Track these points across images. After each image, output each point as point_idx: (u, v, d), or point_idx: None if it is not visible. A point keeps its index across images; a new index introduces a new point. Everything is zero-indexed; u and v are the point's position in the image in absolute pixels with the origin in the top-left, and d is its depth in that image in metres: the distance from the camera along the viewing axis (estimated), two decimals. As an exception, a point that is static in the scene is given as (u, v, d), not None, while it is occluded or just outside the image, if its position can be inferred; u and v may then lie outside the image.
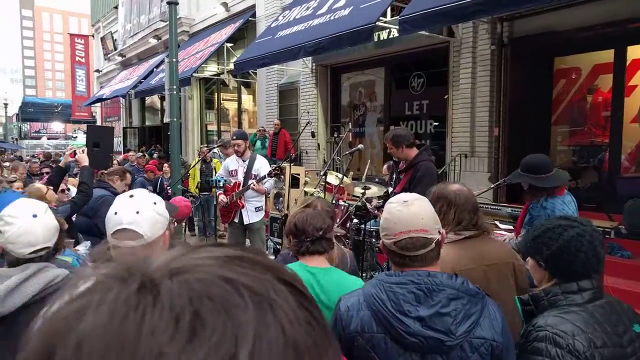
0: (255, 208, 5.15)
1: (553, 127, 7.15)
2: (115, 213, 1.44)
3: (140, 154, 10.19)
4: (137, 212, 1.44)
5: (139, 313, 0.30)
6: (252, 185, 4.95)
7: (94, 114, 25.03)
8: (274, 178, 5.02)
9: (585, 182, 6.69)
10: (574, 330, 1.40)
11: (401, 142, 3.94)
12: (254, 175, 5.08)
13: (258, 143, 9.83)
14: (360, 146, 5.05)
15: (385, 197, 4.08)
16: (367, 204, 4.67)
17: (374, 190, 5.01)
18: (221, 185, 5.17)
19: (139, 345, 0.29)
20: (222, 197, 5.19)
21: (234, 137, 5.27)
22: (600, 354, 1.38)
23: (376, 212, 4.32)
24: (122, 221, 1.42)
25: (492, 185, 4.35)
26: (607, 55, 6.40)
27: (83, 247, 2.79)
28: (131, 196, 1.50)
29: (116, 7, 20.30)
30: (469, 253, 1.98)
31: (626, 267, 5.04)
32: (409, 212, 1.48)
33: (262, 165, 5.16)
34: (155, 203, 1.50)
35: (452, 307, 1.38)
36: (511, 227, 4.16)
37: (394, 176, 4.32)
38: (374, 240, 4.96)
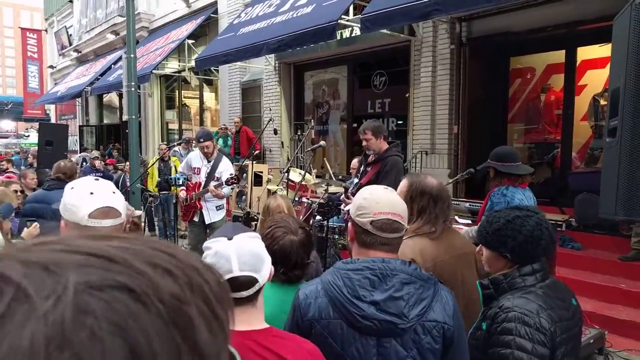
0: (217, 207, 5.07)
1: (509, 125, 7.40)
2: (91, 193, 1.46)
3: (97, 153, 9.85)
4: (114, 192, 1.51)
5: None
6: (210, 188, 4.84)
7: (47, 112, 24.02)
8: (231, 186, 4.91)
9: (539, 177, 6.96)
10: (537, 308, 1.50)
11: (381, 132, 4.07)
12: (217, 177, 4.98)
13: (220, 141, 9.68)
14: (322, 143, 5.06)
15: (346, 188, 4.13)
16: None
17: (335, 189, 5.04)
18: (181, 183, 5.06)
19: None
20: (182, 193, 5.09)
21: (201, 140, 4.98)
22: (559, 328, 1.51)
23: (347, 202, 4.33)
24: (102, 200, 1.46)
25: (457, 176, 4.46)
26: (559, 56, 6.68)
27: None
28: (97, 179, 1.56)
29: (71, 1, 19.52)
30: (443, 245, 2.05)
31: (577, 258, 5.28)
32: (391, 196, 1.55)
33: (225, 169, 5.02)
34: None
35: (405, 291, 1.42)
36: (469, 222, 4.29)
37: (362, 168, 4.37)
38: (336, 236, 4.98)
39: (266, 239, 1.75)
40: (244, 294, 1.27)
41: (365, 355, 1.41)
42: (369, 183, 3.99)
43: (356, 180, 4.29)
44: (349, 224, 1.58)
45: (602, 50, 6.05)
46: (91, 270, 0.31)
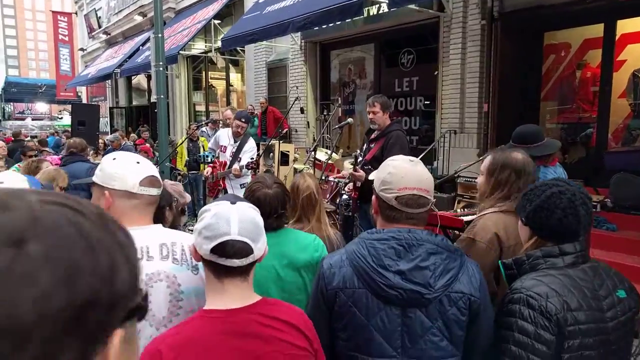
0: (241, 185, 5.13)
1: (542, 103, 7.16)
2: (138, 162, 1.51)
3: (117, 135, 10.02)
4: (153, 165, 1.57)
5: None
6: (234, 168, 4.91)
7: (79, 94, 24.59)
8: (250, 170, 4.97)
9: (573, 157, 6.74)
10: (547, 292, 1.40)
11: (388, 108, 4.10)
12: (241, 158, 5.05)
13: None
14: (349, 120, 5.00)
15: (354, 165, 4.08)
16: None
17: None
18: (209, 160, 5.14)
19: None
20: (208, 170, 5.17)
21: (242, 120, 5.07)
22: (574, 317, 1.39)
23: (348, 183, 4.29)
24: (149, 169, 1.51)
25: (482, 157, 4.35)
26: (597, 30, 6.38)
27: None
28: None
29: (100, -16, 19.77)
30: None
31: (612, 239, 5.12)
32: (416, 169, 1.49)
33: (248, 150, 5.10)
34: None
35: (432, 261, 1.39)
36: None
37: (365, 146, 4.33)
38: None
39: (246, 192, 1.91)
40: (236, 262, 1.20)
41: (389, 325, 1.40)
42: (374, 159, 3.96)
43: (360, 158, 4.24)
44: (373, 197, 1.54)
45: (644, 23, 5.76)
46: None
